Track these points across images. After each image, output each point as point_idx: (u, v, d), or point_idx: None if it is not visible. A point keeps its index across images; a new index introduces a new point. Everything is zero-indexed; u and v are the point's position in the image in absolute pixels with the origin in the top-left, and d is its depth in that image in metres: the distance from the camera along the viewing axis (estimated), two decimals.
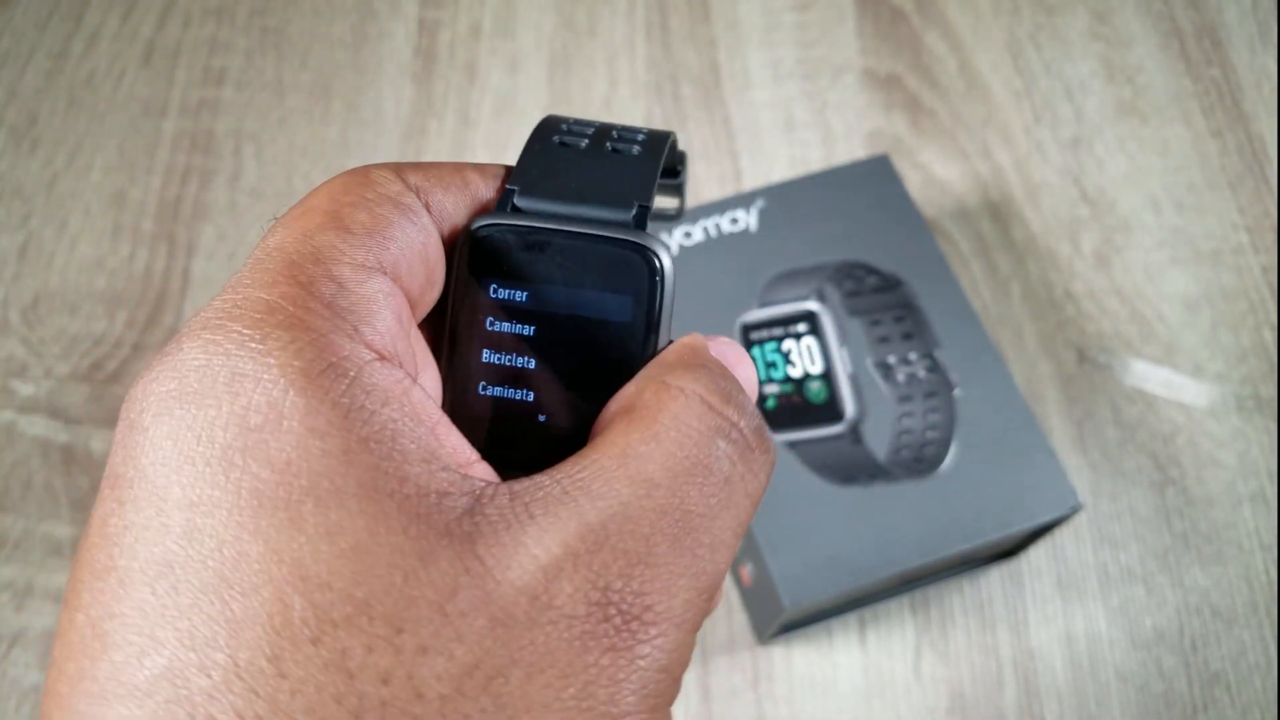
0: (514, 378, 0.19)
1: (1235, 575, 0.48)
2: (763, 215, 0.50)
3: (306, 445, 0.14)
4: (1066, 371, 0.53)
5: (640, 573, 0.15)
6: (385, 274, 0.17)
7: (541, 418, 0.19)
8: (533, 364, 0.19)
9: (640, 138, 0.21)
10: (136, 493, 0.15)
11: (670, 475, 0.16)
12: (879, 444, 0.44)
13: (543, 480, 0.16)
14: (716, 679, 0.46)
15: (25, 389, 0.53)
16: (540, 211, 0.19)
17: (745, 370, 0.19)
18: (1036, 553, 0.49)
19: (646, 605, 0.15)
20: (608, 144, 0.21)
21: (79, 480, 0.51)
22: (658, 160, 0.20)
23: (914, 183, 0.59)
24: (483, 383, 0.19)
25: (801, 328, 0.47)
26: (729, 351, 0.19)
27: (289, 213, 0.18)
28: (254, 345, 0.15)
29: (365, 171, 0.19)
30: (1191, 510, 0.50)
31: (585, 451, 0.16)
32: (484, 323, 0.19)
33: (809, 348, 0.46)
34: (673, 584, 0.15)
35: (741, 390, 0.18)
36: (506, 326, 0.19)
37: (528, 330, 0.19)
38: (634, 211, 0.19)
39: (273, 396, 0.14)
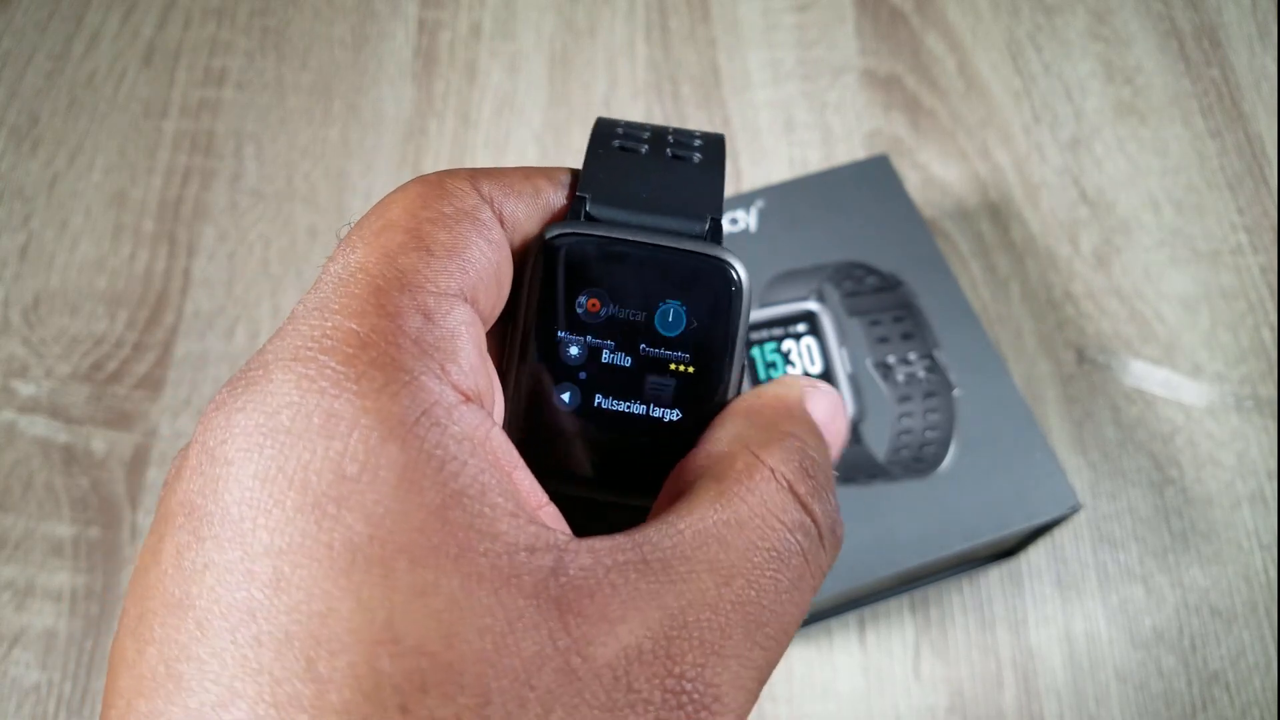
0: (592, 394, 0.19)
1: (1234, 575, 0.48)
2: (762, 215, 0.50)
3: (403, 499, 0.14)
4: (1066, 371, 0.53)
5: (714, 663, 0.15)
6: (466, 300, 0.17)
7: (617, 435, 0.19)
8: (610, 378, 0.19)
9: (697, 143, 0.21)
10: (219, 530, 0.14)
11: (750, 567, 0.16)
12: (878, 444, 0.44)
13: (623, 544, 0.16)
14: None
15: (26, 389, 0.53)
16: (613, 220, 0.19)
17: (838, 425, 0.19)
18: (1036, 552, 0.49)
19: (716, 696, 0.15)
20: (667, 150, 0.20)
21: (79, 480, 0.51)
22: (722, 169, 0.20)
23: (913, 183, 0.59)
24: (556, 398, 0.19)
25: (801, 328, 0.47)
26: (823, 404, 0.19)
27: (366, 225, 0.17)
28: (349, 386, 0.14)
29: (440, 182, 0.18)
30: (1190, 510, 0.50)
31: (668, 516, 0.16)
32: (559, 334, 0.19)
33: (808, 348, 0.47)
34: (741, 674, 0.15)
35: (828, 469, 0.18)
36: (582, 338, 0.19)
37: (607, 344, 0.19)
38: (707, 224, 0.19)
39: (370, 444, 0.14)
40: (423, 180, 0.18)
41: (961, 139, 0.60)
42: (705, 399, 0.19)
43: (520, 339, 0.19)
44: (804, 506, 0.17)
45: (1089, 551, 0.49)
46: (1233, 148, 0.60)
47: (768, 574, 0.16)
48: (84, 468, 0.51)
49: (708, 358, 0.19)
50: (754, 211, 0.50)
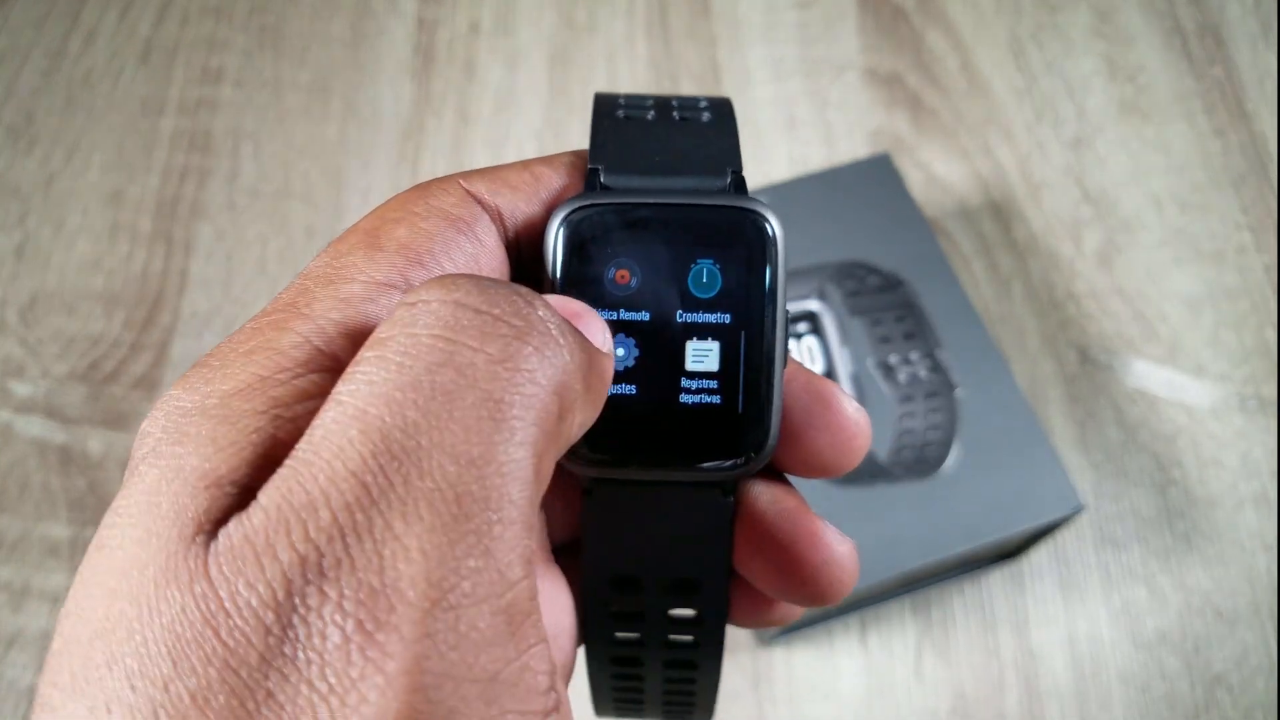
0: (627, 364, 0.18)
1: (1237, 576, 0.48)
2: None
3: (159, 463, 0.14)
4: (1068, 371, 0.53)
5: (379, 554, 0.12)
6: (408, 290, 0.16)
7: (666, 402, 0.18)
8: (648, 348, 0.18)
9: (703, 104, 0.20)
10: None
11: (383, 402, 0.13)
12: (880, 444, 0.44)
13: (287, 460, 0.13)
14: None
15: (22, 389, 0.53)
16: (631, 188, 0.18)
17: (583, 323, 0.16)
18: (1038, 554, 0.49)
19: (396, 599, 0.12)
20: (674, 113, 0.20)
21: (76, 481, 0.50)
22: (733, 123, 0.20)
23: (915, 182, 0.58)
24: None
25: (802, 327, 0.47)
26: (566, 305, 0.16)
27: (338, 236, 0.17)
28: (205, 374, 0.15)
29: (426, 186, 0.18)
30: (1193, 511, 0.50)
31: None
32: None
33: (810, 347, 0.46)
34: (426, 548, 0.12)
35: (523, 294, 0.14)
36: (615, 313, 0.18)
37: (642, 315, 0.18)
38: (729, 178, 0.18)
39: (179, 423, 0.14)
40: (413, 186, 0.18)
41: (964, 137, 0.60)
42: (751, 359, 0.18)
43: None
44: (469, 308, 0.14)
45: (1091, 553, 0.49)
46: (1236, 146, 0.60)
47: (417, 405, 0.13)
48: (80, 468, 0.51)
49: (748, 315, 0.18)
50: None
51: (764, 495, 0.19)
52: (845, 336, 0.46)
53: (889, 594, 0.47)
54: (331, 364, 0.15)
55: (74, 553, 0.49)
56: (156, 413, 0.15)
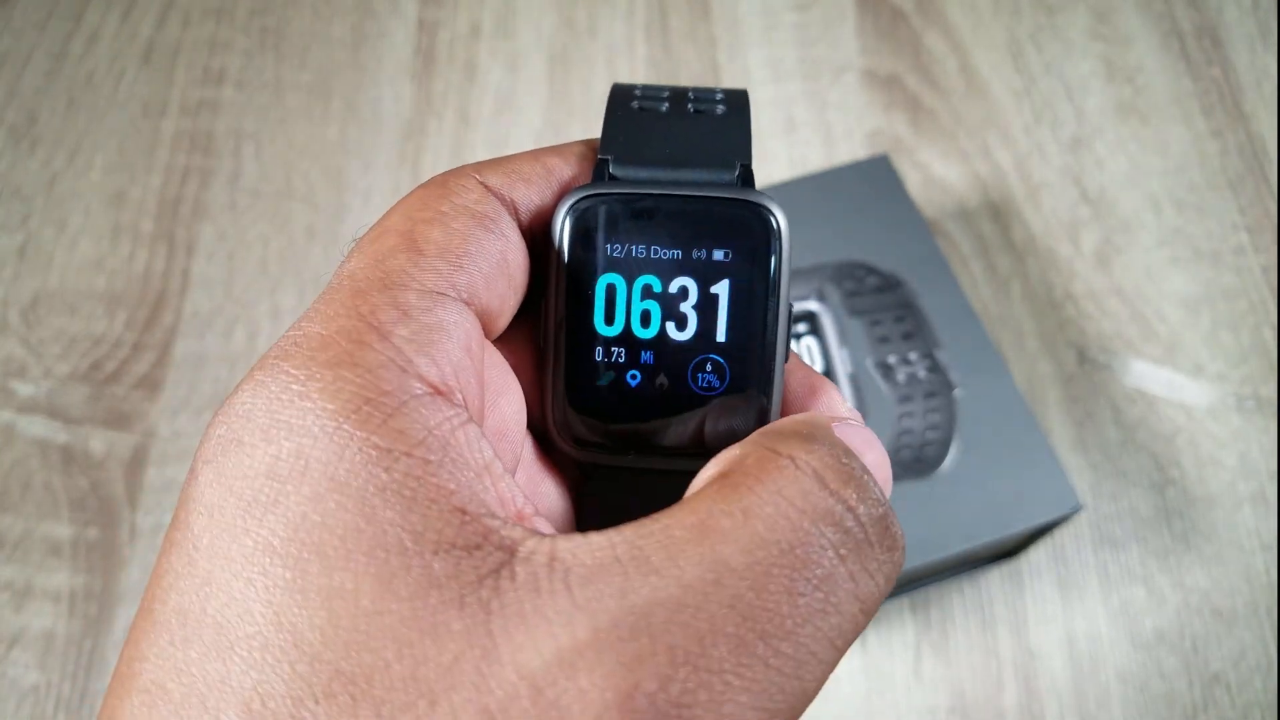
0: (635, 353, 0.18)
1: (1236, 575, 0.48)
2: None
3: (323, 498, 0.13)
4: (1067, 371, 0.53)
5: (685, 676, 0.12)
6: (458, 297, 0.16)
7: (667, 391, 0.18)
8: (654, 336, 0.18)
9: (719, 96, 0.20)
10: (178, 537, 0.14)
11: (751, 561, 0.13)
12: None
13: (597, 540, 0.14)
14: None
15: (25, 389, 0.53)
16: (639, 179, 0.18)
17: (874, 456, 0.16)
18: (1037, 553, 0.49)
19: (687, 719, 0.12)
20: (689, 105, 0.20)
21: (78, 480, 0.51)
22: (747, 117, 0.20)
23: (914, 183, 0.58)
24: (602, 363, 0.18)
25: (801, 328, 0.47)
26: (854, 435, 0.16)
27: (367, 234, 0.17)
28: (295, 388, 0.14)
29: (444, 181, 0.18)
30: (1192, 511, 0.50)
31: (659, 515, 0.14)
32: (597, 297, 0.18)
33: (809, 348, 0.46)
34: (728, 697, 0.12)
35: (868, 473, 0.15)
36: (622, 299, 0.18)
37: (648, 305, 0.18)
38: (737, 171, 0.19)
39: (301, 444, 0.14)
40: (428, 182, 0.18)
41: (962, 139, 0.60)
42: (754, 351, 0.18)
43: (555, 313, 0.18)
44: (835, 495, 0.14)
45: (1090, 552, 0.49)
46: (1234, 147, 0.60)
47: (781, 574, 0.13)
48: (83, 468, 0.51)
49: (751, 307, 0.18)
50: None
51: None
52: (844, 337, 0.46)
53: (888, 593, 0.47)
54: (419, 385, 0.15)
55: (75, 552, 0.49)
56: (245, 423, 0.14)
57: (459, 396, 0.16)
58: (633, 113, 0.20)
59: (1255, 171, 0.59)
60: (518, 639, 0.12)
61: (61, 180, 0.60)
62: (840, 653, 0.14)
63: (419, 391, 0.15)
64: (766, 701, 0.13)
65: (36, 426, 0.52)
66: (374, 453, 0.14)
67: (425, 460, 0.14)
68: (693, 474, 0.19)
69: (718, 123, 0.20)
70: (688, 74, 0.63)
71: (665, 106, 0.20)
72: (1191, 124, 0.61)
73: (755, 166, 0.60)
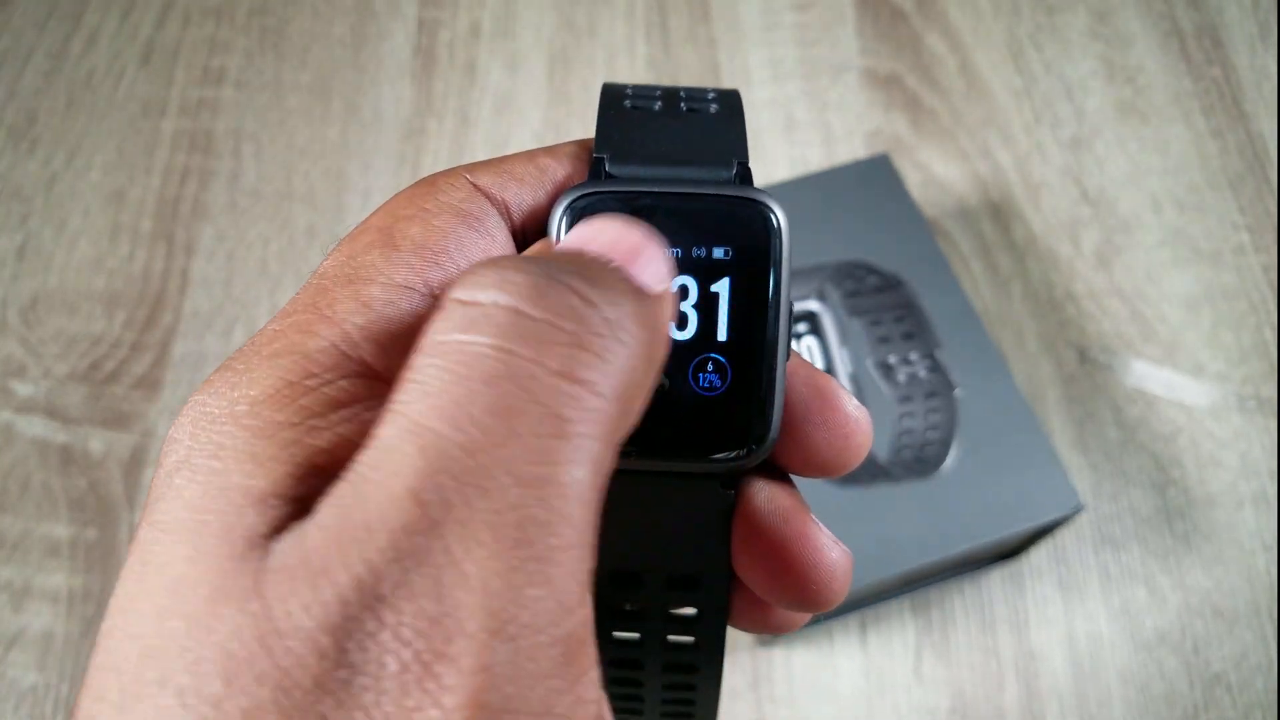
0: None
1: (1237, 576, 0.48)
2: None
3: (196, 475, 0.13)
4: (1067, 371, 0.53)
5: (437, 579, 0.11)
6: (429, 293, 0.16)
7: (667, 392, 0.18)
8: None
9: (711, 96, 0.20)
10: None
11: (447, 419, 0.12)
12: (880, 444, 0.44)
13: (342, 476, 0.13)
14: None
15: (24, 389, 0.53)
16: (636, 177, 0.18)
17: (611, 234, 0.15)
18: (1037, 553, 0.49)
19: (454, 628, 0.11)
20: (681, 105, 0.20)
21: (77, 481, 0.51)
22: (741, 116, 0.19)
23: (914, 182, 0.58)
24: None
25: (802, 328, 0.47)
26: (589, 231, 0.15)
27: (350, 232, 0.17)
28: (232, 380, 0.14)
29: (432, 180, 0.18)
30: (1193, 511, 0.50)
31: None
32: None
33: (809, 348, 0.46)
34: (486, 575, 0.11)
35: (579, 288, 0.13)
36: None
37: None
38: (735, 169, 0.18)
39: (210, 432, 0.14)
40: (418, 181, 0.18)
41: (962, 138, 0.60)
42: (753, 350, 0.18)
43: None
44: (511, 306, 0.13)
45: (1091, 552, 0.49)
46: (1234, 147, 0.60)
47: (477, 420, 0.12)
48: (81, 468, 0.51)
49: (751, 305, 0.18)
50: None
51: (761, 492, 0.19)
52: (844, 337, 0.46)
53: (889, 594, 0.47)
54: (359, 369, 0.15)
55: (74, 552, 0.49)
56: (183, 419, 0.14)
57: None
58: (626, 111, 0.19)
59: (1255, 171, 0.59)
60: (289, 604, 0.12)
61: (61, 180, 0.59)
62: (587, 443, 0.12)
63: (354, 372, 0.14)
64: (522, 559, 0.12)
65: (35, 426, 0.52)
66: (268, 427, 0.14)
67: (314, 428, 0.14)
68: (694, 475, 0.18)
69: (713, 121, 0.19)
70: (687, 74, 0.63)
71: (658, 105, 0.20)
72: (1192, 124, 0.61)
73: (755, 166, 0.60)
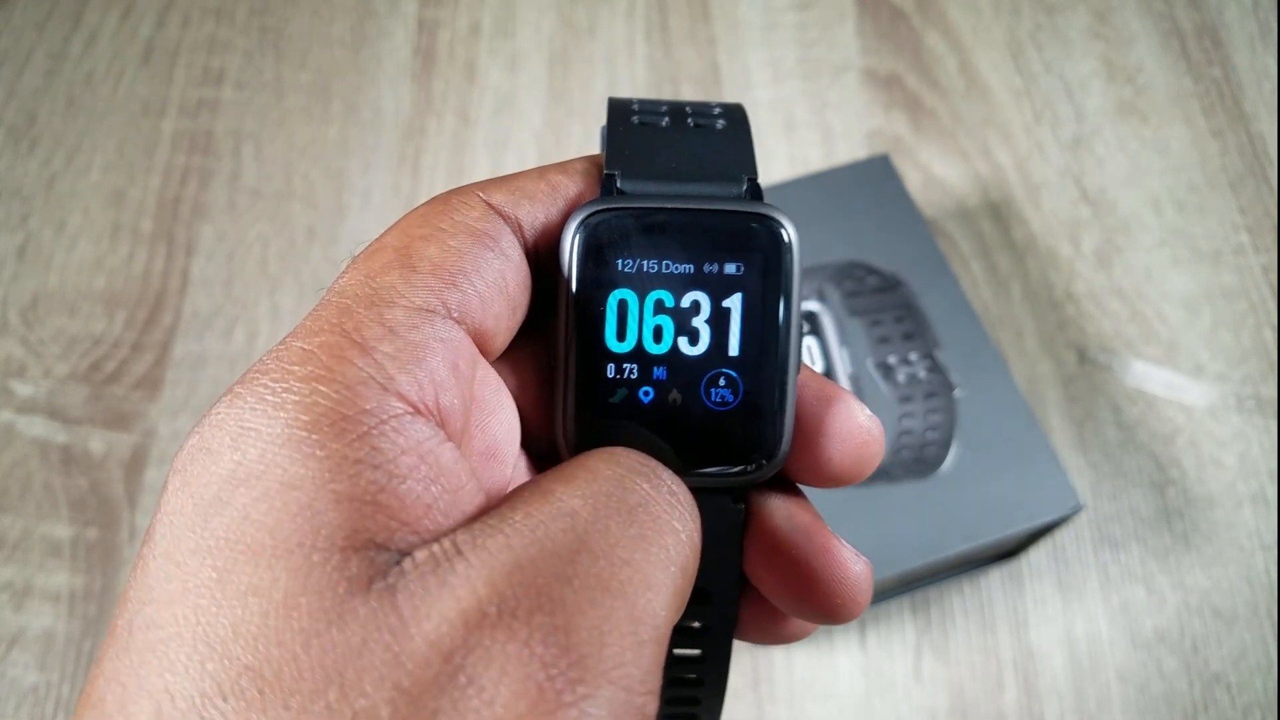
0: (648, 369, 0.18)
1: (1236, 576, 0.48)
2: None
3: (271, 497, 0.14)
4: (1067, 372, 0.53)
5: (566, 620, 0.13)
6: (448, 316, 0.16)
7: (680, 407, 0.18)
8: (667, 351, 0.18)
9: (718, 111, 0.20)
10: (144, 550, 0.15)
11: (590, 505, 0.15)
12: None
13: (483, 519, 0.15)
14: None
15: (24, 389, 0.53)
16: (648, 193, 0.18)
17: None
18: (1037, 553, 0.49)
19: (575, 659, 0.13)
20: (688, 120, 0.20)
21: (78, 481, 0.51)
22: (748, 132, 0.20)
23: (914, 182, 0.58)
24: (614, 380, 0.18)
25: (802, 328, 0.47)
26: None
27: (364, 250, 0.17)
28: (270, 399, 0.14)
29: (446, 199, 0.18)
30: (1192, 511, 0.50)
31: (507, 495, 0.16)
32: (608, 313, 0.18)
33: (809, 348, 0.46)
34: (603, 628, 0.13)
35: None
36: (634, 315, 0.18)
37: (660, 320, 0.18)
38: (745, 185, 0.19)
39: (266, 450, 0.14)
40: (432, 199, 0.18)
41: (962, 138, 0.60)
42: (764, 364, 0.18)
43: (565, 330, 0.18)
44: (634, 459, 0.17)
45: (1090, 552, 0.49)
46: (1234, 147, 0.60)
47: (613, 511, 0.15)
48: (82, 468, 0.51)
49: (763, 321, 0.18)
50: None
51: (780, 510, 0.19)
52: (844, 337, 0.46)
53: (888, 594, 0.47)
54: (398, 402, 0.15)
55: (75, 552, 0.49)
56: (216, 430, 0.15)
57: (438, 416, 0.16)
58: (634, 128, 0.20)
59: (1255, 171, 0.59)
60: (423, 610, 0.13)
61: (61, 180, 0.59)
62: (676, 582, 0.15)
63: (398, 410, 0.15)
64: (628, 627, 0.14)
65: (36, 427, 0.52)
66: (339, 463, 0.14)
67: (391, 474, 0.14)
68: (707, 490, 0.19)
69: (720, 137, 0.20)
70: (687, 75, 0.63)
71: (665, 121, 0.20)
72: (1192, 124, 0.61)
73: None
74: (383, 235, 0.17)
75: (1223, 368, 0.53)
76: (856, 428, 0.19)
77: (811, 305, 0.47)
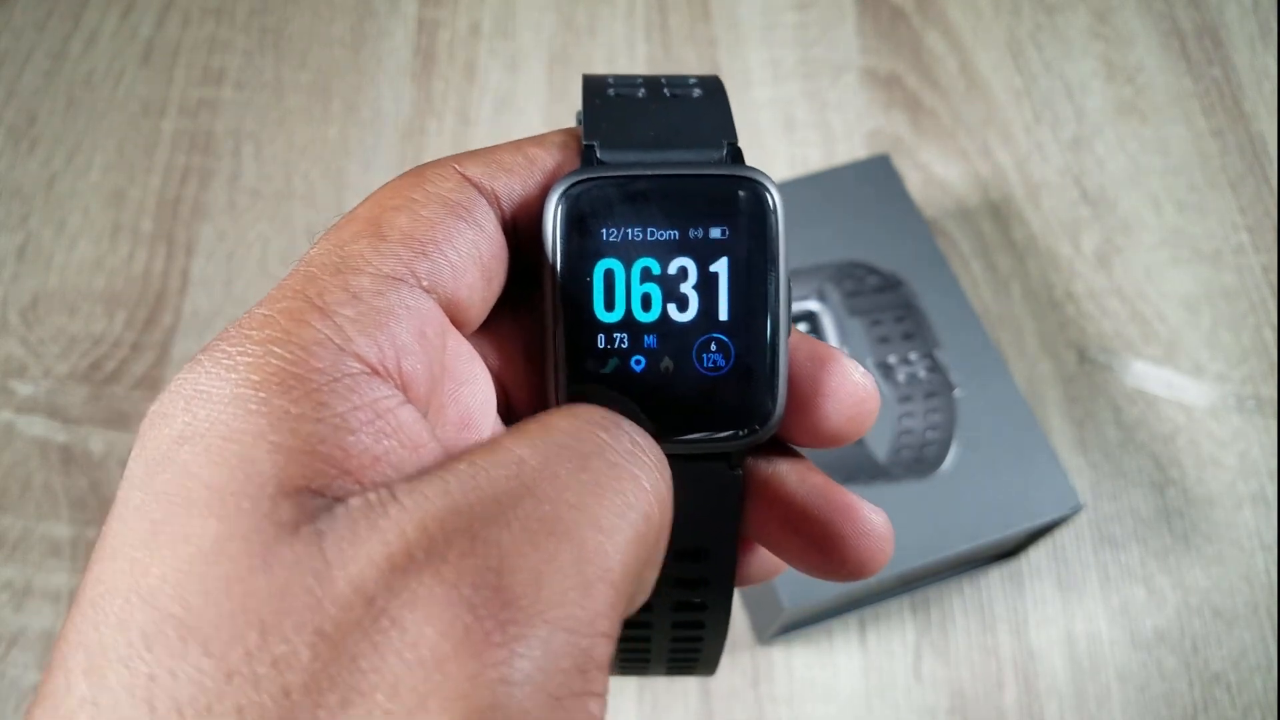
0: (638, 338, 0.18)
1: (1236, 575, 0.48)
2: None
3: (212, 451, 0.14)
4: (1067, 371, 0.53)
5: (501, 562, 0.13)
6: (417, 285, 0.16)
7: (672, 374, 0.18)
8: (656, 319, 0.18)
9: (693, 81, 0.20)
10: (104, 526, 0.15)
11: (540, 455, 0.14)
12: (879, 444, 0.44)
13: (428, 469, 0.15)
14: (716, 679, 0.46)
15: (24, 389, 0.53)
16: (627, 162, 0.18)
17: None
18: (1037, 553, 0.49)
19: (507, 600, 0.13)
20: (665, 90, 0.20)
21: (78, 480, 0.51)
22: (724, 98, 0.20)
23: (914, 182, 0.58)
24: (605, 350, 0.18)
25: (802, 327, 0.47)
26: None
27: (338, 221, 0.17)
28: (225, 362, 0.14)
29: (421, 170, 0.18)
30: (1192, 510, 0.50)
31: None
32: (595, 284, 0.18)
33: None
34: (541, 570, 0.13)
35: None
36: (621, 284, 0.18)
37: (648, 288, 0.18)
38: (725, 150, 0.19)
39: (214, 410, 0.14)
40: (407, 171, 0.18)
41: (962, 138, 0.60)
42: (754, 328, 0.18)
43: (552, 302, 0.18)
44: (601, 414, 0.16)
45: (1090, 552, 0.49)
46: (1234, 147, 0.60)
47: (566, 459, 0.15)
48: (82, 468, 0.51)
49: (750, 284, 0.18)
50: None
51: (791, 475, 0.19)
52: (844, 337, 0.46)
53: (888, 593, 0.47)
54: (355, 362, 0.15)
55: (75, 552, 0.49)
56: (173, 395, 0.15)
57: (399, 380, 0.16)
58: (611, 100, 0.20)
59: (1255, 171, 0.59)
60: (348, 554, 0.13)
61: (61, 180, 0.59)
62: (639, 531, 0.15)
63: (354, 369, 0.15)
64: (575, 570, 0.13)
65: (36, 426, 0.52)
66: (281, 416, 0.14)
67: (337, 427, 0.14)
68: (701, 456, 0.19)
69: (698, 105, 0.19)
70: (687, 74, 0.63)
71: (642, 93, 0.20)
72: (1192, 124, 0.61)
73: (755, 166, 0.60)
74: (356, 206, 0.17)
75: (1223, 368, 0.53)
76: (854, 385, 0.19)
77: (811, 305, 0.47)
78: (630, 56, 0.64)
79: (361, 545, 0.13)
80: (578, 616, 0.13)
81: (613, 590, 0.14)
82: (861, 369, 0.19)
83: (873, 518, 0.19)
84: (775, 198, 0.18)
